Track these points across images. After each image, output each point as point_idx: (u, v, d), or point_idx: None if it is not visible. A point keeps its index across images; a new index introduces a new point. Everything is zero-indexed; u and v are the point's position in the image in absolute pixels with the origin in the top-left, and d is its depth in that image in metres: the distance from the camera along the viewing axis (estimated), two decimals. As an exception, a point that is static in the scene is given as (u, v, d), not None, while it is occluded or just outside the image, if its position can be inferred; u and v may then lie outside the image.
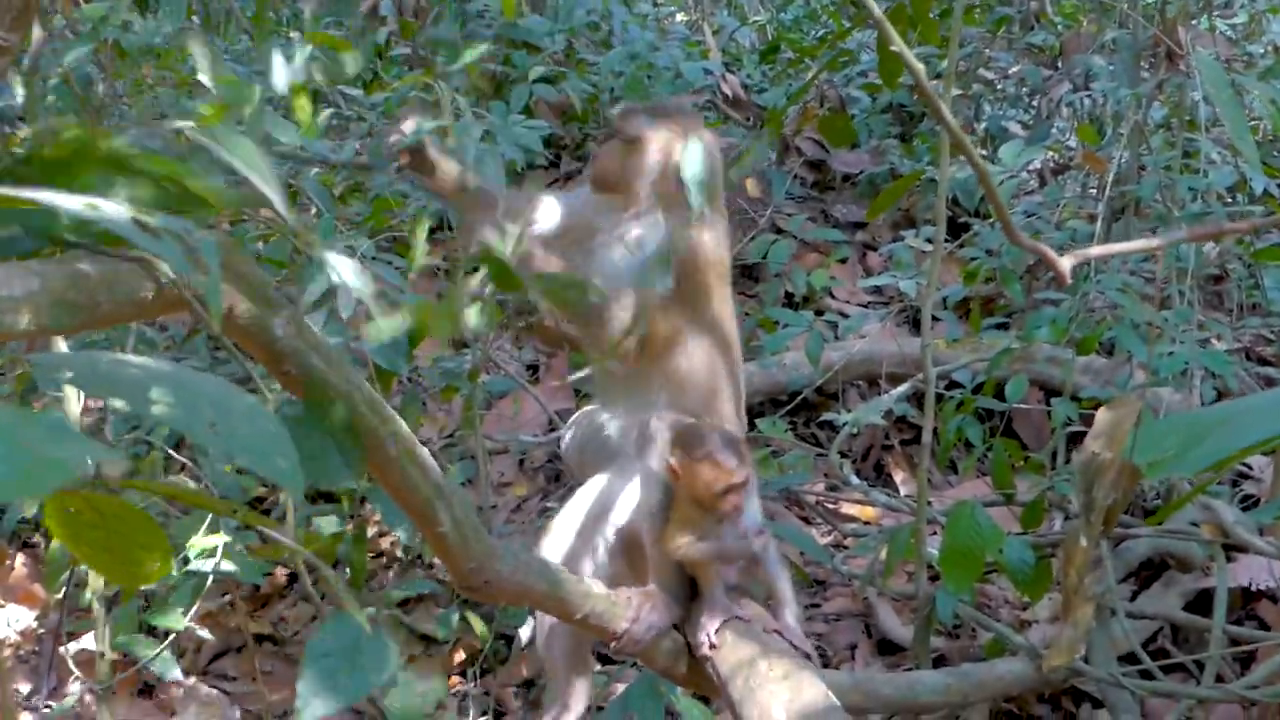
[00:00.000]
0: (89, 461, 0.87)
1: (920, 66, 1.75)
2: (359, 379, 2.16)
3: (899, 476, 5.67)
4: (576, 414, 3.43)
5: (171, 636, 3.99)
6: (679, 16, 10.34)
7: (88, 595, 4.31)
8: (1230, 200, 5.46)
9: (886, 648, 4.66)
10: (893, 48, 1.71)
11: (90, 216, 1.24)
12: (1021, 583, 3.85)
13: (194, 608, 3.94)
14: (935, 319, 5.98)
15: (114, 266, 1.77)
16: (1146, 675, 3.75)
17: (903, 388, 5.14)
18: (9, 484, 0.90)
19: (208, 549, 3.80)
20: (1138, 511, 4.60)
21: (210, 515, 3.96)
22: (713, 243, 3.04)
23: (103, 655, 3.81)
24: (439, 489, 2.38)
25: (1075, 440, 4.96)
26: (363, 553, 4.50)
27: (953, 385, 5.21)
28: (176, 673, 4.03)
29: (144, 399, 1.09)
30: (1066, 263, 2.02)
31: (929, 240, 5.52)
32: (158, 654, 3.96)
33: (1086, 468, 2.35)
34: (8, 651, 4.69)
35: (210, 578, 3.84)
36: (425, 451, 2.34)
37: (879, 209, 4.17)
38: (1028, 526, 4.25)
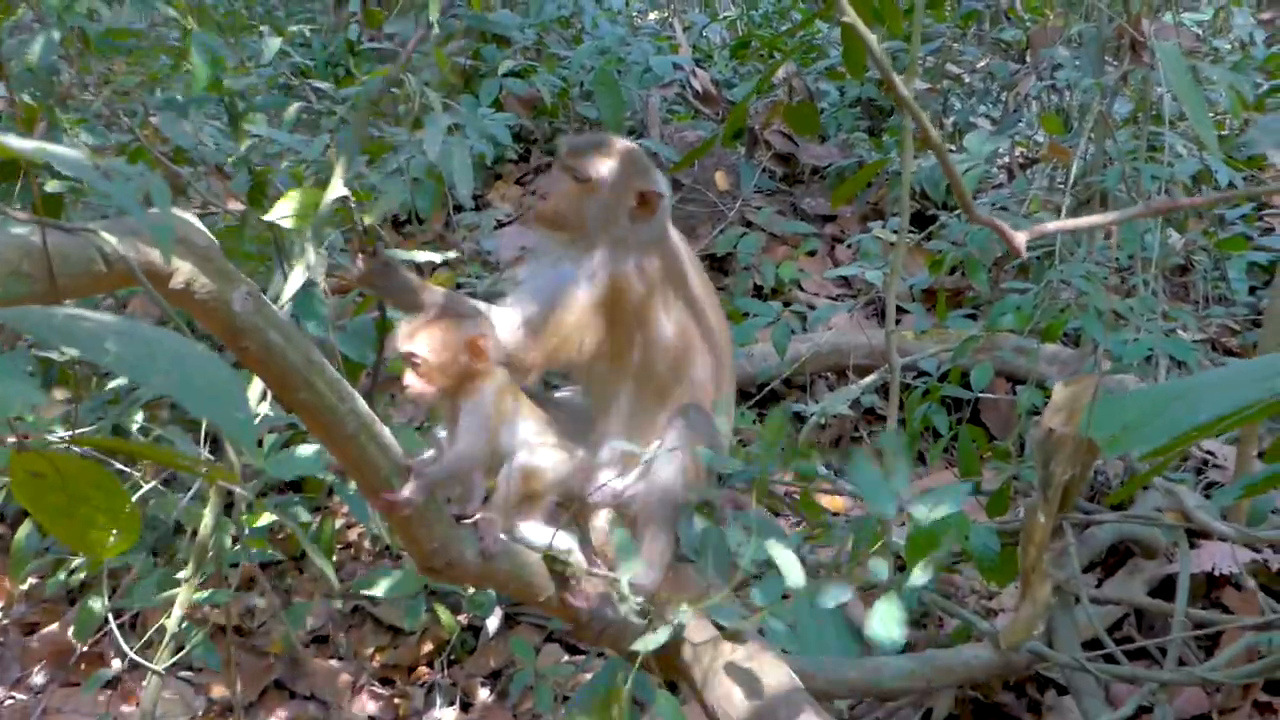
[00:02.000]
0: (29, 400, 0.87)
1: (873, 38, 1.76)
2: (319, 356, 2.16)
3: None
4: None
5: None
6: (651, 15, 10.37)
7: (51, 583, 4.31)
8: (1195, 191, 5.51)
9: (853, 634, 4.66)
10: (843, 19, 1.72)
11: (43, 158, 1.24)
12: (987, 570, 3.85)
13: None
14: (903, 310, 6.02)
15: (66, 240, 1.77)
16: (1111, 660, 3.76)
17: (870, 378, 5.15)
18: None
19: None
20: (1101, 499, 4.62)
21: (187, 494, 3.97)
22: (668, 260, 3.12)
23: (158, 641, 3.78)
24: (399, 468, 2.39)
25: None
26: (330, 544, 4.50)
27: (920, 375, 5.23)
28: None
29: (99, 349, 1.08)
30: (1021, 238, 2.04)
31: (895, 231, 5.56)
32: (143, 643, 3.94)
33: (1044, 444, 2.36)
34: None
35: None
36: (386, 431, 2.35)
37: (842, 197, 4.18)
38: (993, 514, 4.26)
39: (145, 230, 1.83)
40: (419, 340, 2.71)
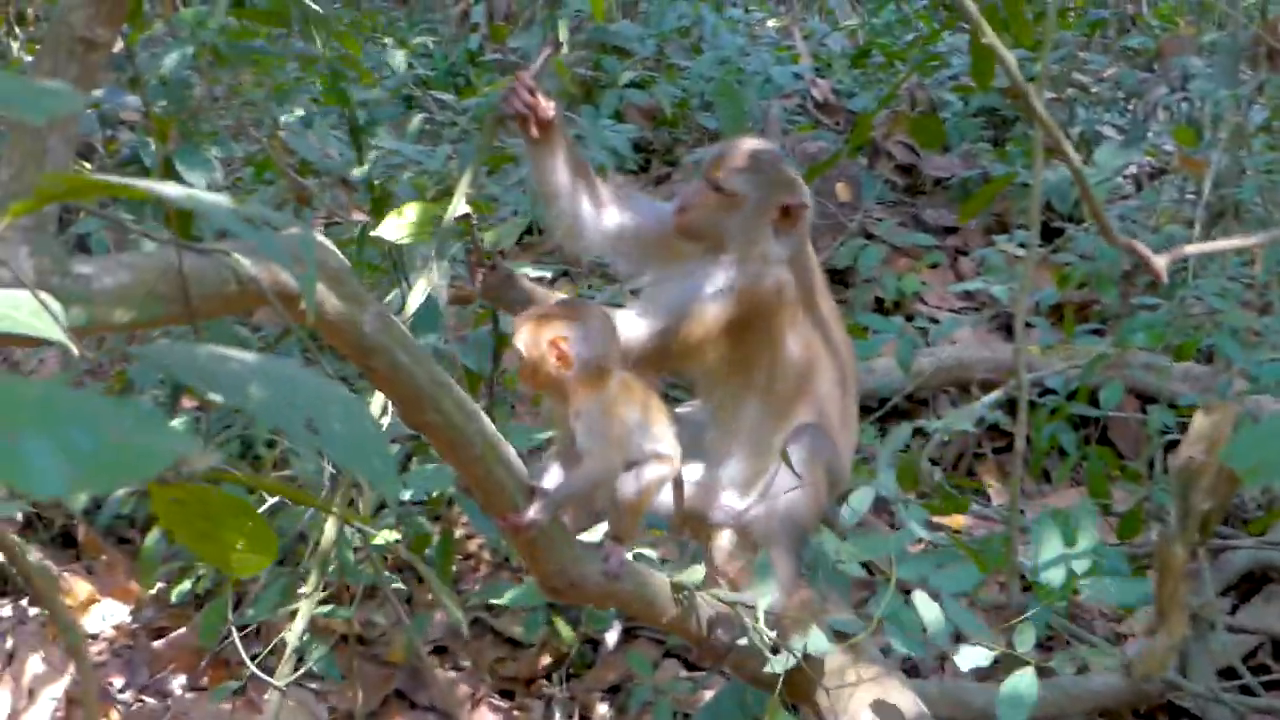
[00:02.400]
0: (179, 453, 0.86)
1: (1012, 58, 1.71)
2: (445, 376, 2.16)
3: (991, 486, 5.58)
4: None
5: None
6: (770, 23, 10.32)
7: (177, 592, 4.37)
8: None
9: (977, 658, 4.57)
10: (984, 40, 1.68)
11: (191, 206, 1.24)
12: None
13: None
14: (1028, 324, 5.90)
15: (200, 261, 1.79)
16: (1246, 691, 3.66)
17: (994, 394, 5.05)
18: (98, 473, 0.89)
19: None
20: (1237, 522, 4.48)
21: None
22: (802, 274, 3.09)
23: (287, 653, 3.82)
24: (524, 488, 2.38)
25: (1173, 449, 4.86)
26: (449, 556, 4.52)
27: (1046, 392, 5.12)
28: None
29: (242, 393, 1.08)
30: (1161, 261, 1.98)
31: (1022, 245, 5.45)
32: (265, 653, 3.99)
33: (1183, 473, 2.29)
34: (103, 645, 4.75)
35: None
36: (511, 451, 2.34)
37: (971, 212, 4.11)
38: (1125, 537, 4.16)
39: (279, 252, 1.83)
40: (518, 336, 2.71)
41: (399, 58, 7.20)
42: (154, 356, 1.14)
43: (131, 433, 0.91)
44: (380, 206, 5.14)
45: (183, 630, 4.76)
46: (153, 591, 4.80)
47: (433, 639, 4.82)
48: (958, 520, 5.29)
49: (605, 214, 3.15)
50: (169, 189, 1.18)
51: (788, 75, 7.36)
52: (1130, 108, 7.29)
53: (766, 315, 3.03)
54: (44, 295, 1.33)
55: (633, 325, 2.97)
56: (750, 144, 3.15)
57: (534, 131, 3.00)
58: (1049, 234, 6.52)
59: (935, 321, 6.29)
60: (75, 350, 1.31)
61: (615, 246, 3.20)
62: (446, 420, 2.15)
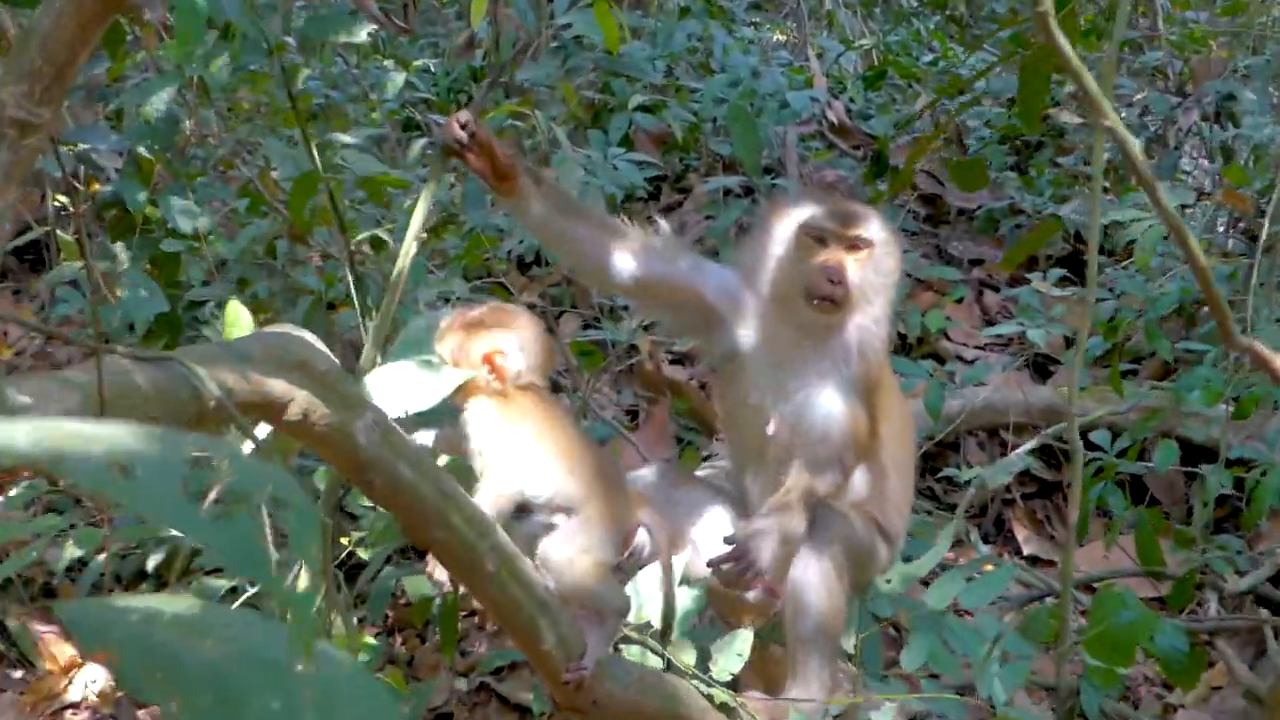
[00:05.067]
0: None
1: (1105, 101, 1.44)
2: (454, 487, 1.88)
3: (1021, 534, 5.30)
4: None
5: None
6: (776, 35, 10.06)
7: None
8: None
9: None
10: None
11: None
12: (1174, 673, 3.49)
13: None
14: (1056, 361, 5.62)
15: (163, 374, 1.51)
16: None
17: (1030, 444, 4.77)
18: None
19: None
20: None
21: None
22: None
23: None
24: (543, 604, 2.11)
25: (1221, 504, 4.58)
26: (454, 618, 4.24)
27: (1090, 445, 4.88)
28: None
29: (219, 699, 0.78)
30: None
31: (1056, 284, 5.17)
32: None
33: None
34: (85, 714, 4.48)
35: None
36: (528, 563, 2.06)
37: (1015, 260, 3.83)
38: (1175, 605, 3.88)
39: (259, 355, 1.55)
40: (441, 343, 2.53)
41: (398, 80, 6.91)
42: (96, 623, 0.84)
43: None
44: (380, 242, 4.88)
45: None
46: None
47: (434, 707, 4.55)
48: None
49: (637, 259, 2.90)
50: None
51: (805, 101, 7.06)
52: (1160, 133, 7.00)
53: (877, 373, 2.85)
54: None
55: (812, 474, 2.77)
56: (831, 195, 3.00)
57: (486, 175, 2.76)
58: (1077, 264, 6.24)
59: (962, 359, 6.01)
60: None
61: (646, 296, 2.99)
62: (456, 537, 1.87)
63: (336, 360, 1.71)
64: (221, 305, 4.57)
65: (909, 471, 3.11)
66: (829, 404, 2.83)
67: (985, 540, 5.24)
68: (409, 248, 2.67)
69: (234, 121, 4.70)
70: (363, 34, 3.36)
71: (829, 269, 2.79)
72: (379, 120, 6.90)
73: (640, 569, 2.66)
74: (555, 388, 5.58)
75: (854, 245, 2.83)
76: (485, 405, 2.46)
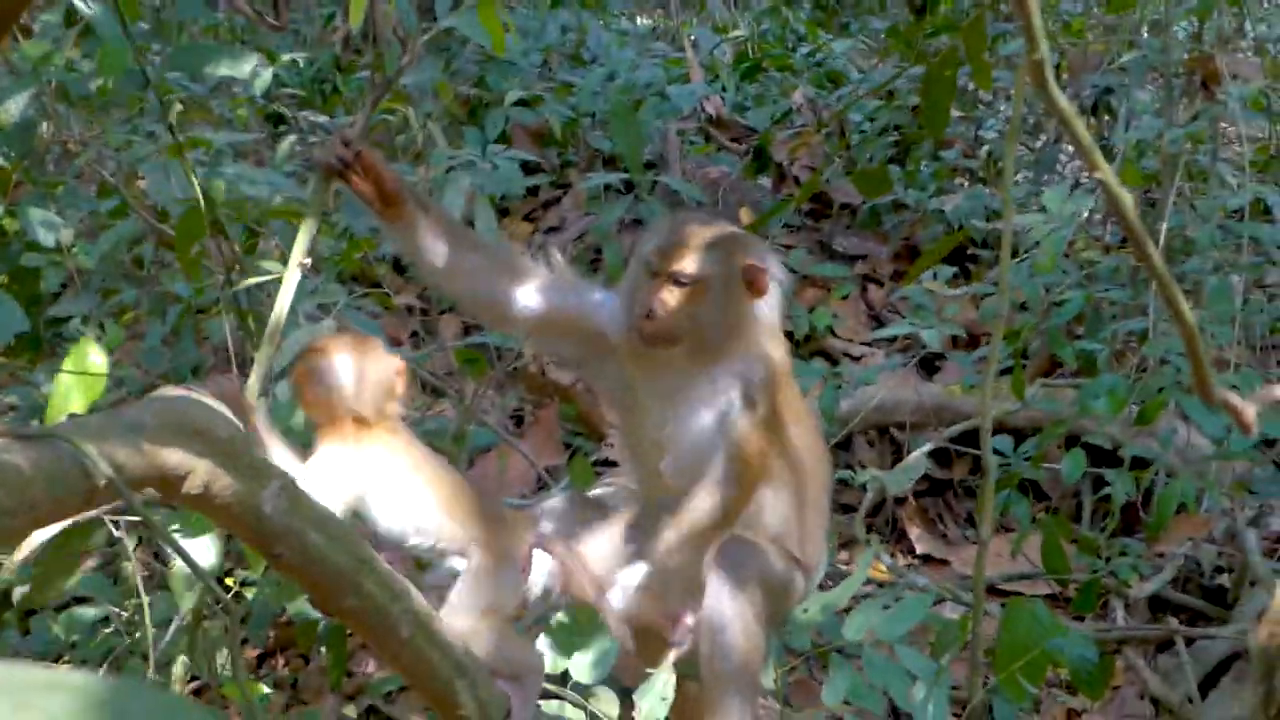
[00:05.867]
0: None
1: (1111, 174, 1.34)
2: (368, 552, 1.73)
3: (914, 533, 5.26)
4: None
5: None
6: (640, 20, 9.97)
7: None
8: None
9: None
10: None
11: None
12: (1083, 683, 3.46)
13: None
14: (941, 356, 5.59)
15: (46, 453, 1.34)
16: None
17: (928, 446, 4.72)
18: None
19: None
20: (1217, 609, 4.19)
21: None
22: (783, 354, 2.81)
23: None
24: (460, 667, 1.97)
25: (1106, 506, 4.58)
26: (342, 639, 4.09)
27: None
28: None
29: None
30: (1252, 411, 1.65)
31: (948, 282, 5.13)
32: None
33: (1265, 653, 1.95)
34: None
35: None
36: (444, 627, 1.92)
37: (917, 272, 3.77)
38: (1081, 611, 3.85)
39: (153, 424, 1.39)
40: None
41: (266, 76, 6.67)
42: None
43: None
44: (254, 245, 4.68)
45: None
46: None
47: (321, 733, 4.37)
48: (880, 570, 4.96)
49: (533, 294, 2.76)
50: None
51: (688, 97, 6.96)
52: (1038, 127, 7.03)
53: (770, 403, 2.72)
54: None
55: (703, 498, 2.65)
56: (687, 219, 2.81)
57: (370, 199, 2.62)
58: (962, 258, 6.23)
59: (849, 356, 5.96)
60: None
61: (545, 331, 2.84)
62: (369, 604, 1.73)
63: (239, 424, 1.55)
64: (86, 321, 4.33)
65: (824, 499, 3.01)
66: (710, 435, 2.72)
67: (881, 540, 5.20)
68: (291, 278, 2.51)
69: (99, 119, 4.44)
70: (247, 68, 3.18)
71: (646, 302, 2.69)
72: (245, 117, 6.64)
73: (549, 603, 2.54)
74: (437, 393, 5.45)
75: (676, 280, 2.71)
76: (334, 451, 2.29)
